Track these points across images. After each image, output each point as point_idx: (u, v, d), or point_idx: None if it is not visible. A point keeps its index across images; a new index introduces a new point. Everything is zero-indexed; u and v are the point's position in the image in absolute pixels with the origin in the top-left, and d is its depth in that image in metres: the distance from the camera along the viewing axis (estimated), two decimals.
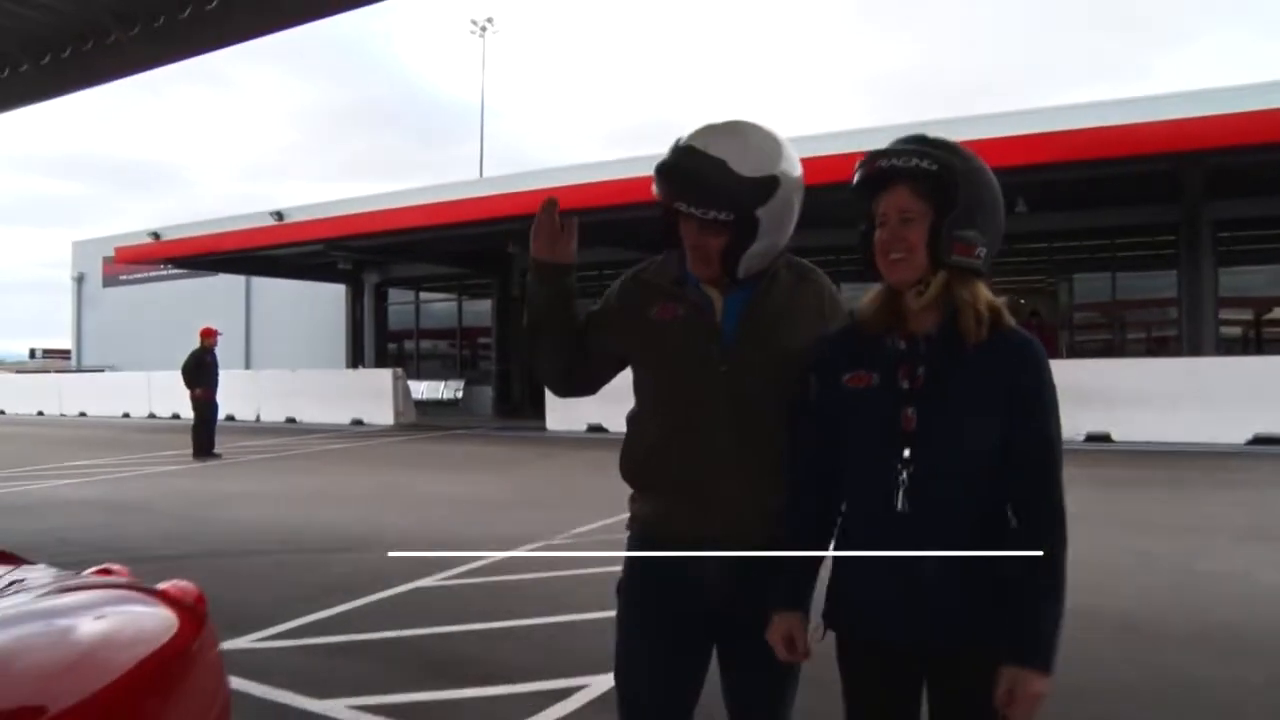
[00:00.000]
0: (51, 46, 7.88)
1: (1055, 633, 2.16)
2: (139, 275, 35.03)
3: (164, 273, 33.11)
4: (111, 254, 33.89)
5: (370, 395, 22.20)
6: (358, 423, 22.06)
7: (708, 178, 2.36)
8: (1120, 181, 15.94)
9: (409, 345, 30.07)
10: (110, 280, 37.59)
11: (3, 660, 1.69)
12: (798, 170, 2.46)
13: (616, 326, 2.62)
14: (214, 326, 16.85)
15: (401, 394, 22.17)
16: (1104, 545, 7.04)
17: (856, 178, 2.29)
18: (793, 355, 2.47)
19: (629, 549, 2.65)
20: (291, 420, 22.98)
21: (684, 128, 2.47)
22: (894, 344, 2.29)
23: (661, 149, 2.40)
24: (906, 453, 2.25)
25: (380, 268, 26.86)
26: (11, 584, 2.09)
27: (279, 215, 30.12)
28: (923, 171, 2.22)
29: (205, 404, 15.89)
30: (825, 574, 2.37)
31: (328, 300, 28.63)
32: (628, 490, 2.59)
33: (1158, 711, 4.21)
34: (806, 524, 2.42)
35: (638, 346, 2.59)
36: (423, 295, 29.48)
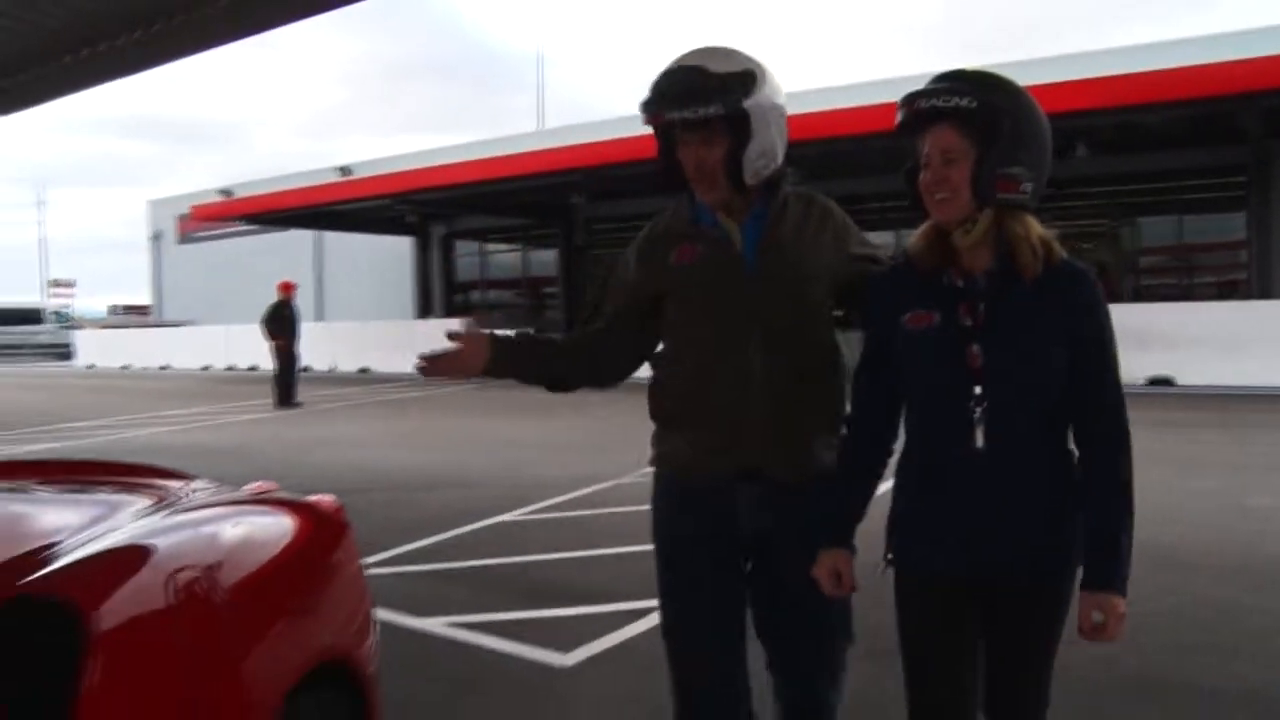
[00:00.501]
0: (143, 21, 8.32)
1: (1129, 555, 2.17)
2: (212, 232, 35.86)
3: (236, 229, 33.82)
4: (185, 212, 34.72)
5: (441, 343, 22.54)
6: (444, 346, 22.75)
7: (690, 82, 2.41)
8: (1180, 123, 15.76)
9: (475, 296, 30.56)
10: (185, 237, 38.54)
11: (195, 550, 2.10)
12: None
13: (641, 287, 2.63)
14: (292, 280, 17.41)
15: None
16: (1155, 483, 7.18)
17: (898, 119, 2.26)
18: (812, 278, 2.52)
19: (655, 488, 2.68)
20: (364, 370, 23.60)
21: None
22: (951, 282, 2.27)
23: None
24: (977, 390, 2.22)
25: (446, 220, 27.29)
26: (189, 493, 2.51)
27: (345, 170, 30.65)
28: (963, 110, 2.18)
29: (286, 354, 16.48)
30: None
31: (395, 253, 29.14)
32: None
33: (1189, 635, 4.43)
34: (858, 463, 2.41)
35: (664, 294, 2.59)
36: (488, 246, 29.90)
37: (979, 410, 2.20)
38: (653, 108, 2.45)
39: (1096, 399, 2.20)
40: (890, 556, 2.36)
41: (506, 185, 21.26)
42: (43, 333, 40.14)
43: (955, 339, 2.22)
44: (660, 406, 2.64)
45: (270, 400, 16.35)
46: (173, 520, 2.18)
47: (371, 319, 26.21)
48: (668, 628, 2.62)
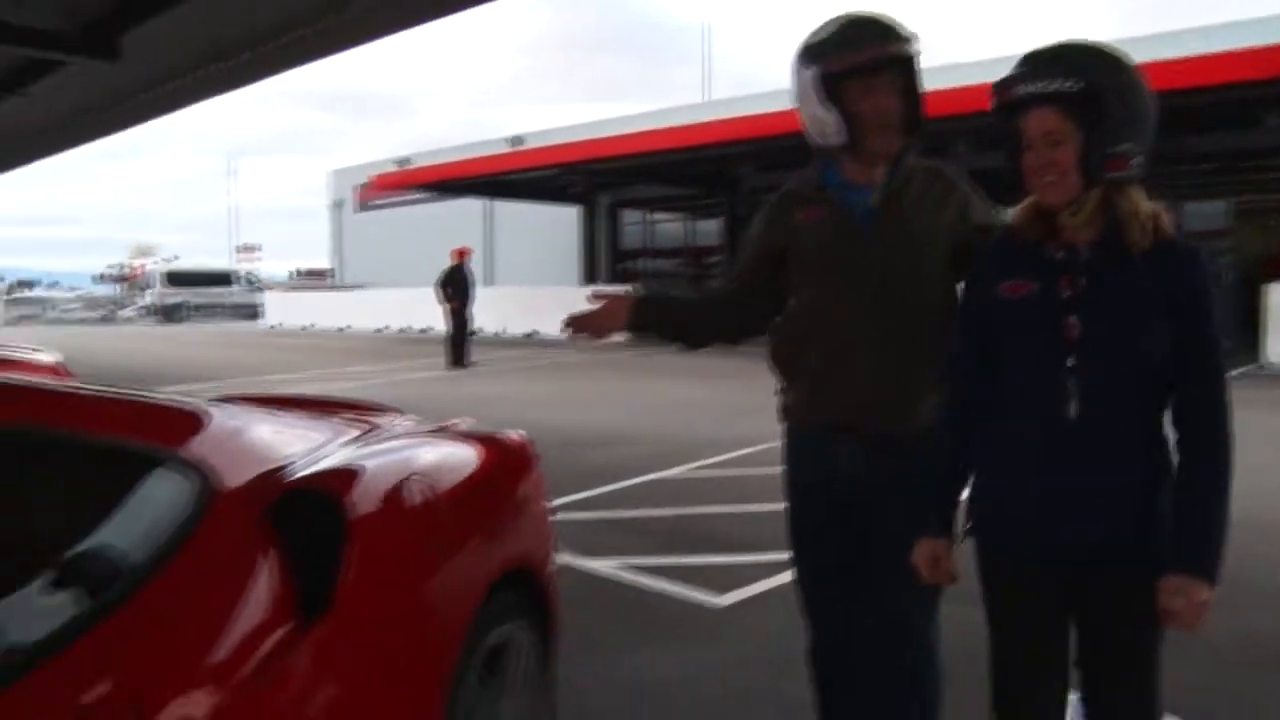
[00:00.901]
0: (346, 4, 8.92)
1: (1222, 542, 2.09)
2: (389, 200, 37.42)
3: (412, 197, 35.17)
4: (364, 181, 36.28)
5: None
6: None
7: (880, 25, 2.51)
8: None
9: (639, 264, 31.07)
10: (363, 205, 40.32)
11: (418, 464, 2.49)
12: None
13: (768, 246, 2.74)
14: (467, 246, 18.22)
15: None
16: (1256, 461, 7.16)
17: (994, 104, 2.19)
18: (928, 247, 2.57)
19: (783, 439, 2.79)
20: (532, 334, 24.40)
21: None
22: (1051, 254, 2.20)
23: None
24: (1070, 361, 2.17)
25: (613, 190, 27.82)
26: (401, 424, 2.93)
27: (517, 141, 31.54)
28: (1066, 94, 2.10)
29: (459, 317, 17.27)
30: None
31: (563, 221, 29.87)
32: None
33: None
34: (961, 442, 2.37)
35: (788, 250, 2.69)
36: (654, 215, 30.34)
37: (1071, 382, 2.15)
38: (845, 46, 2.50)
39: (1196, 382, 2.13)
40: (969, 527, 2.32)
41: (672, 157, 21.60)
42: (234, 294, 42.65)
43: (1053, 309, 2.17)
44: (777, 360, 2.78)
45: (444, 360, 17.16)
46: (394, 443, 2.60)
47: (538, 285, 26.95)
48: (796, 575, 2.81)
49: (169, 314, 39.58)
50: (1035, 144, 2.13)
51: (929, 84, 2.56)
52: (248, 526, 1.89)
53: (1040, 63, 2.13)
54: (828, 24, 2.57)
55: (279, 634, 1.78)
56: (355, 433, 2.61)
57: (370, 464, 2.30)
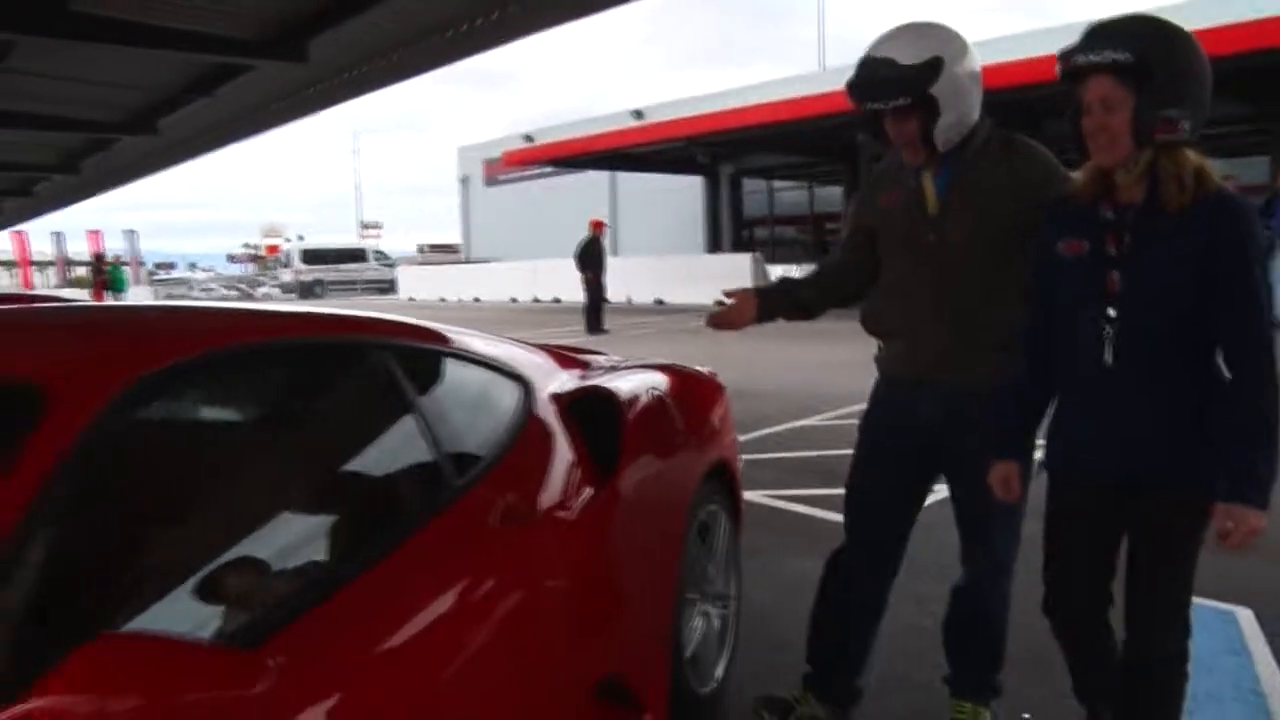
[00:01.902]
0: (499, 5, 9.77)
1: (1269, 472, 2.21)
2: (515, 175, 38.23)
3: (537, 172, 36.11)
4: (490, 157, 37.49)
5: (731, 277, 23.43)
6: (720, 303, 24.06)
7: (882, 75, 2.69)
8: None
9: (761, 232, 31.58)
10: (490, 180, 41.39)
11: (655, 382, 3.35)
12: (965, 51, 2.71)
13: (863, 224, 3.07)
14: (602, 219, 19.16)
15: (760, 276, 23.69)
16: None
17: (1059, 71, 2.33)
18: (998, 223, 2.77)
19: (874, 387, 3.11)
20: (659, 301, 25.21)
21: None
22: (1103, 214, 2.37)
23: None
24: (1111, 312, 2.33)
25: (734, 159, 28.32)
26: (620, 362, 3.80)
27: (638, 114, 32.26)
28: (1119, 63, 2.21)
29: (595, 286, 18.24)
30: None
31: (686, 191, 30.52)
32: None
33: None
34: (1030, 381, 2.58)
35: (876, 228, 3.01)
36: (775, 184, 30.78)
37: (1109, 331, 2.33)
38: (854, 97, 2.78)
39: (1238, 326, 2.25)
40: (1043, 460, 2.57)
41: (791, 128, 22.00)
42: (367, 270, 44.22)
43: (1099, 266, 2.35)
44: (868, 323, 3.10)
45: (581, 327, 18.14)
46: (632, 369, 3.51)
47: (662, 254, 27.62)
48: (849, 487, 3.13)
49: (306, 290, 41.04)
50: (1093, 109, 2.28)
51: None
52: (558, 415, 2.80)
53: (1098, 34, 2.28)
54: (865, 55, 2.78)
55: (585, 485, 2.68)
56: (604, 362, 3.53)
57: (625, 380, 3.22)
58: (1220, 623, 3.80)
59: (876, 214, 3.01)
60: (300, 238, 53.86)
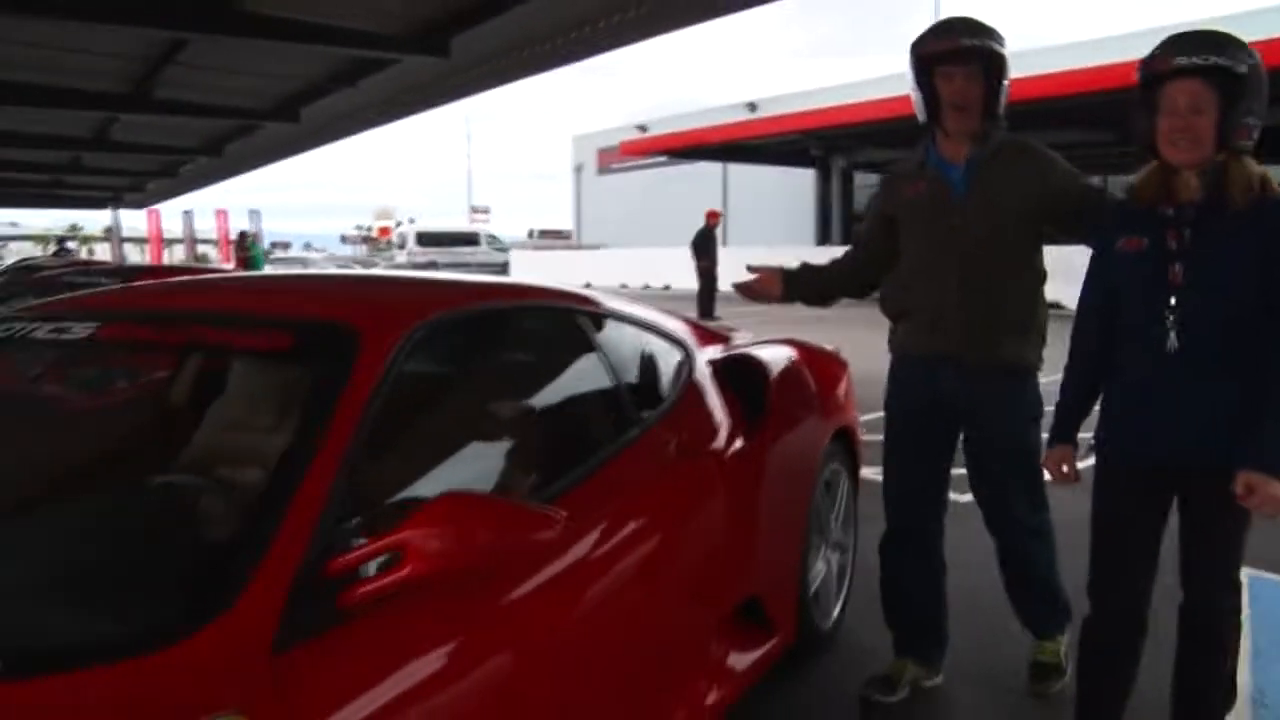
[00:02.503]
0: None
1: None
2: (628, 164, 38.78)
3: (649, 161, 36.57)
4: (602, 145, 38.04)
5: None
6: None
7: (973, 24, 2.98)
8: None
9: None
10: (604, 169, 42.08)
11: (789, 356, 3.83)
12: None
13: (885, 214, 3.28)
14: (717, 209, 19.61)
15: None
16: None
17: (1148, 71, 2.44)
18: (1012, 210, 2.99)
19: (890, 366, 3.33)
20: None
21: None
22: (1163, 212, 2.47)
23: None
24: (1173, 301, 2.43)
25: (846, 153, 28.36)
26: (749, 338, 4.29)
27: (752, 106, 32.57)
28: (1220, 67, 2.34)
29: (709, 275, 18.69)
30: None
31: (797, 184, 30.65)
32: None
33: None
34: (1082, 368, 2.70)
35: (899, 217, 3.22)
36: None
37: (1172, 318, 2.43)
38: (938, 37, 3.00)
39: None
40: (1094, 444, 2.65)
41: (902, 124, 21.99)
42: (479, 253, 45.07)
43: (1161, 259, 2.46)
44: (888, 306, 3.34)
45: (693, 313, 18.58)
46: (770, 341, 4.01)
47: (772, 245, 27.83)
48: (885, 461, 3.38)
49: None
50: (1179, 110, 2.39)
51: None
52: (712, 375, 3.32)
53: (1189, 41, 2.40)
54: (943, 19, 3.11)
55: (737, 434, 3.19)
56: (746, 335, 4.04)
57: (766, 350, 3.73)
58: None
59: (901, 203, 3.22)
60: (411, 220, 54.57)
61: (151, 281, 3.15)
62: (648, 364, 3.13)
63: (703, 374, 3.29)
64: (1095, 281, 2.66)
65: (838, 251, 3.55)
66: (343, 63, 13.44)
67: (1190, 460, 2.49)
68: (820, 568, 3.72)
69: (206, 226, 48.03)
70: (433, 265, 42.49)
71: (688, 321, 3.76)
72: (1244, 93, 2.36)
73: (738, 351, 3.62)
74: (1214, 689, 2.66)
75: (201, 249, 49.56)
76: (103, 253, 50.78)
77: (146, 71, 13.83)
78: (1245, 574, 3.64)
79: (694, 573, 2.80)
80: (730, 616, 3.03)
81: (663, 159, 34.60)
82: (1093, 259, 2.68)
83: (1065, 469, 2.69)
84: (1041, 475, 2.97)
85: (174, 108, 15.87)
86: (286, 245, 71.76)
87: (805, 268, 3.50)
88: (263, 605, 1.56)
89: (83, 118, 18.07)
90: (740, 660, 3.02)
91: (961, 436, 3.24)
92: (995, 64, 2.96)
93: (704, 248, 18.74)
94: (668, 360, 3.22)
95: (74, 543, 1.87)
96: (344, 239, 73.32)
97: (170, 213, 44.56)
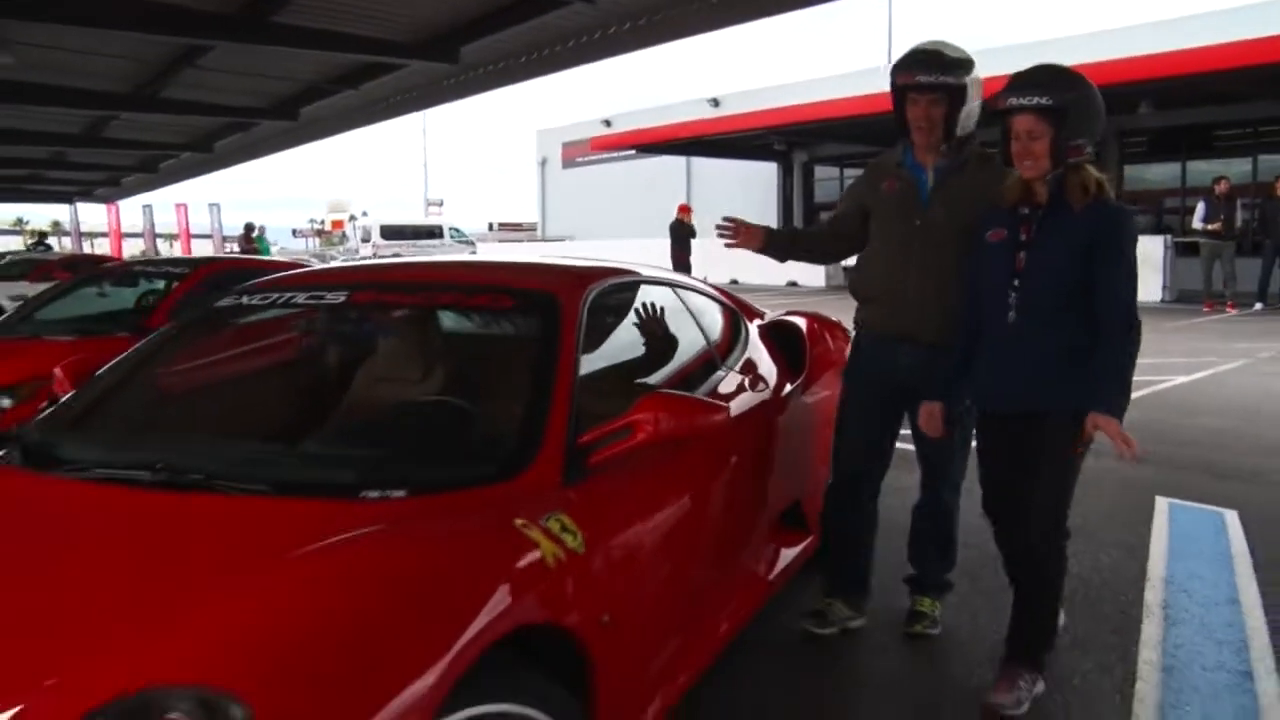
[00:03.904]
0: None
1: (1122, 396, 2.86)
2: (592, 158, 39.11)
3: (614, 155, 37.29)
4: (566, 140, 38.50)
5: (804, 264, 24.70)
6: (792, 284, 25.29)
7: (933, 58, 3.27)
8: None
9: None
10: (568, 163, 42.39)
11: (812, 328, 4.83)
12: (978, 73, 3.32)
13: (858, 203, 3.60)
14: (687, 204, 20.55)
15: None
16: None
17: (990, 109, 2.94)
18: (969, 215, 3.24)
19: (852, 342, 3.74)
20: (734, 280, 26.34)
21: None
22: (1020, 210, 2.97)
23: None
24: (1015, 283, 2.96)
25: (807, 148, 29.12)
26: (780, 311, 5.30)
27: (715, 102, 33.35)
28: (1041, 106, 2.79)
29: (683, 265, 19.64)
30: None
31: (760, 177, 31.48)
32: None
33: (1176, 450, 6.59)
34: (963, 343, 3.20)
35: (872, 208, 3.54)
36: (846, 171, 31.74)
37: (1014, 296, 2.97)
38: (906, 69, 3.32)
39: (1109, 294, 2.85)
40: (969, 401, 3.31)
41: (859, 121, 22.92)
42: (444, 246, 45.28)
43: (1011, 248, 2.98)
44: (856, 287, 3.69)
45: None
46: (795, 313, 5.01)
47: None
48: (837, 426, 3.79)
49: None
50: (1020, 138, 2.88)
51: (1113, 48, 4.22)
52: (761, 334, 4.33)
53: (1024, 82, 2.90)
54: (916, 47, 3.38)
55: (784, 380, 4.17)
56: (780, 310, 5.06)
57: (799, 318, 4.73)
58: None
59: (876, 197, 3.55)
60: (365, 214, 53.94)
61: (361, 263, 4.12)
62: (721, 324, 4.13)
63: (754, 334, 4.29)
64: (971, 266, 3.20)
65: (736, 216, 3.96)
66: (349, 65, 14.06)
67: (1024, 412, 3.05)
68: None
69: (170, 219, 47.90)
70: (398, 258, 42.52)
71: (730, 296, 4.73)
72: (1067, 121, 2.82)
73: (778, 319, 4.64)
74: (1033, 618, 3.17)
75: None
76: (69, 245, 50.42)
77: (157, 73, 14.39)
78: (1165, 502, 4.77)
79: (766, 475, 3.78)
80: (779, 520, 3.96)
81: (629, 153, 35.27)
82: (972, 247, 3.19)
83: (933, 419, 3.29)
84: (968, 434, 3.54)
85: (179, 107, 16.43)
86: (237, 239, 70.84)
87: (785, 229, 3.97)
88: (552, 461, 2.52)
89: (77, 115, 18.46)
90: (788, 553, 3.98)
91: (910, 409, 3.60)
92: (956, 95, 3.30)
93: (676, 239, 19.77)
94: (732, 322, 4.22)
95: (428, 430, 2.90)
96: (295, 233, 72.45)
97: (128, 207, 44.31)
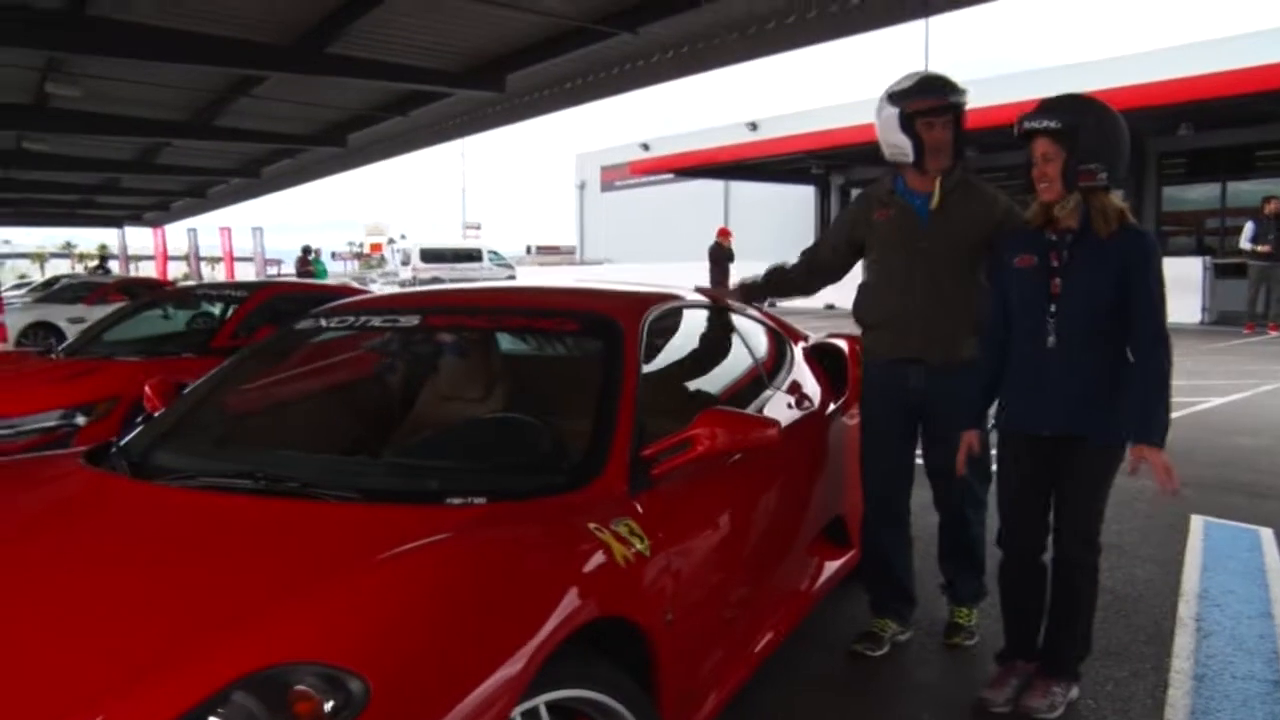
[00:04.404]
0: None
1: (1164, 418, 2.88)
2: (630, 181, 39.33)
3: (651, 179, 37.31)
4: (605, 163, 38.73)
5: (844, 282, 24.50)
6: (830, 306, 25.29)
7: (946, 83, 3.43)
8: None
9: None
10: (606, 186, 42.72)
11: (851, 352, 5.05)
12: None
13: (850, 235, 3.72)
14: (727, 228, 20.73)
15: None
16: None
17: (1015, 133, 2.96)
18: (964, 236, 3.39)
19: (865, 368, 3.83)
20: (773, 304, 26.28)
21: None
22: (1048, 236, 3.01)
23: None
24: (1053, 308, 2.99)
25: (844, 170, 29.22)
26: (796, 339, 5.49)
27: (753, 126, 33.50)
28: (1051, 129, 2.88)
29: (725, 286, 19.81)
30: None
31: (797, 200, 31.58)
32: None
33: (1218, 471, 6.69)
34: (988, 365, 3.22)
35: (867, 237, 3.64)
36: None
37: (1051, 321, 3.00)
38: (920, 95, 3.41)
39: (1142, 315, 2.92)
40: (993, 423, 3.26)
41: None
42: (483, 269, 45.67)
43: (1045, 273, 3.01)
44: (860, 314, 3.79)
45: None
46: (834, 336, 5.21)
47: (775, 259, 28.55)
48: (861, 453, 3.88)
49: None
50: (1037, 161, 2.98)
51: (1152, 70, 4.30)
52: (805, 356, 4.53)
53: (1039, 107, 2.98)
54: (908, 77, 3.50)
55: (829, 398, 4.36)
56: (822, 332, 5.26)
57: (841, 340, 4.91)
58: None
59: (869, 226, 3.65)
60: (403, 237, 54.26)
61: (429, 289, 4.39)
62: (767, 345, 4.34)
63: (800, 355, 4.49)
64: (997, 288, 3.24)
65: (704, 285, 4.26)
66: (398, 94, 14.47)
67: (1061, 435, 3.08)
68: None
69: (215, 242, 48.65)
70: (436, 281, 42.97)
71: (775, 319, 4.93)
72: (1078, 145, 2.89)
73: (822, 340, 4.84)
74: (1067, 631, 3.24)
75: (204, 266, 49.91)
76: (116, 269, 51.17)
77: (211, 102, 14.88)
78: (1200, 520, 4.89)
79: (811, 489, 3.97)
80: (821, 534, 4.12)
81: (667, 176, 35.48)
82: (993, 272, 3.28)
83: (974, 450, 3.33)
84: (988, 453, 3.49)
85: (231, 135, 16.91)
86: (278, 262, 71.81)
87: (760, 279, 4.19)
88: (618, 471, 2.73)
89: (133, 142, 19.03)
90: (830, 565, 4.15)
91: (921, 426, 3.72)
92: (960, 116, 3.46)
93: (714, 261, 20.02)
94: (778, 344, 4.42)
95: (502, 444, 3.12)
96: (334, 255, 73.05)
97: (173, 230, 44.99)
